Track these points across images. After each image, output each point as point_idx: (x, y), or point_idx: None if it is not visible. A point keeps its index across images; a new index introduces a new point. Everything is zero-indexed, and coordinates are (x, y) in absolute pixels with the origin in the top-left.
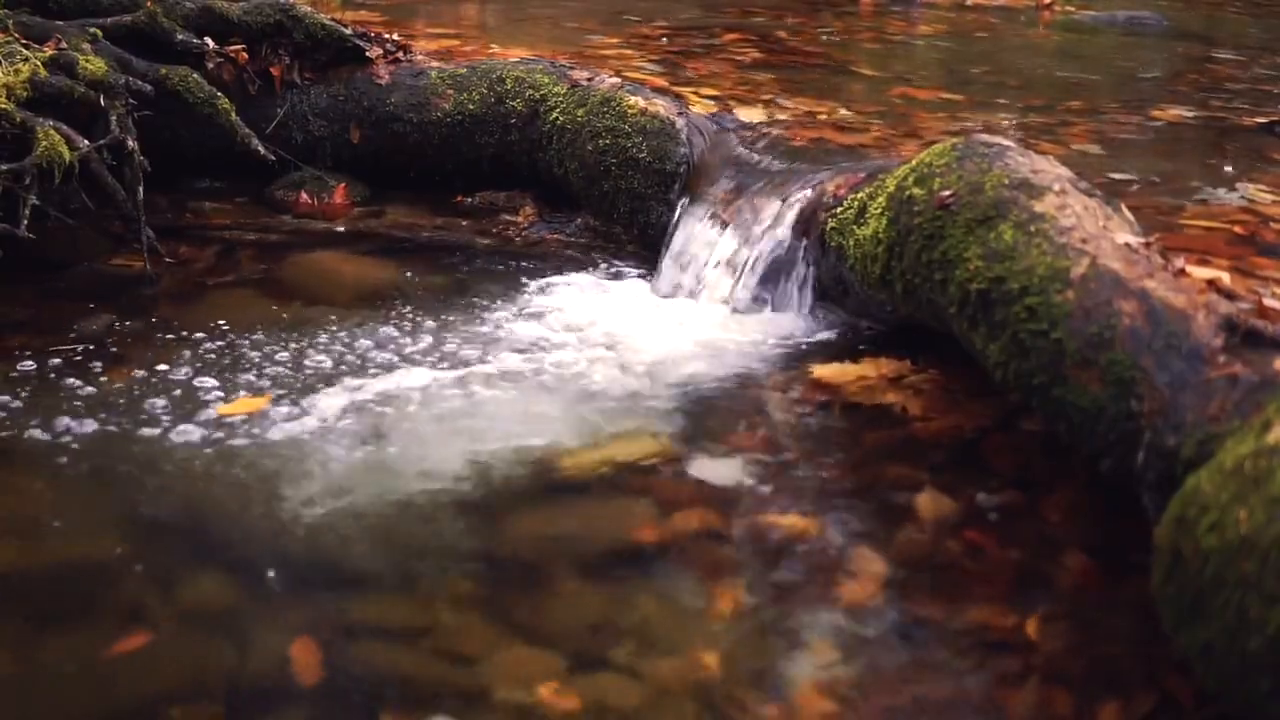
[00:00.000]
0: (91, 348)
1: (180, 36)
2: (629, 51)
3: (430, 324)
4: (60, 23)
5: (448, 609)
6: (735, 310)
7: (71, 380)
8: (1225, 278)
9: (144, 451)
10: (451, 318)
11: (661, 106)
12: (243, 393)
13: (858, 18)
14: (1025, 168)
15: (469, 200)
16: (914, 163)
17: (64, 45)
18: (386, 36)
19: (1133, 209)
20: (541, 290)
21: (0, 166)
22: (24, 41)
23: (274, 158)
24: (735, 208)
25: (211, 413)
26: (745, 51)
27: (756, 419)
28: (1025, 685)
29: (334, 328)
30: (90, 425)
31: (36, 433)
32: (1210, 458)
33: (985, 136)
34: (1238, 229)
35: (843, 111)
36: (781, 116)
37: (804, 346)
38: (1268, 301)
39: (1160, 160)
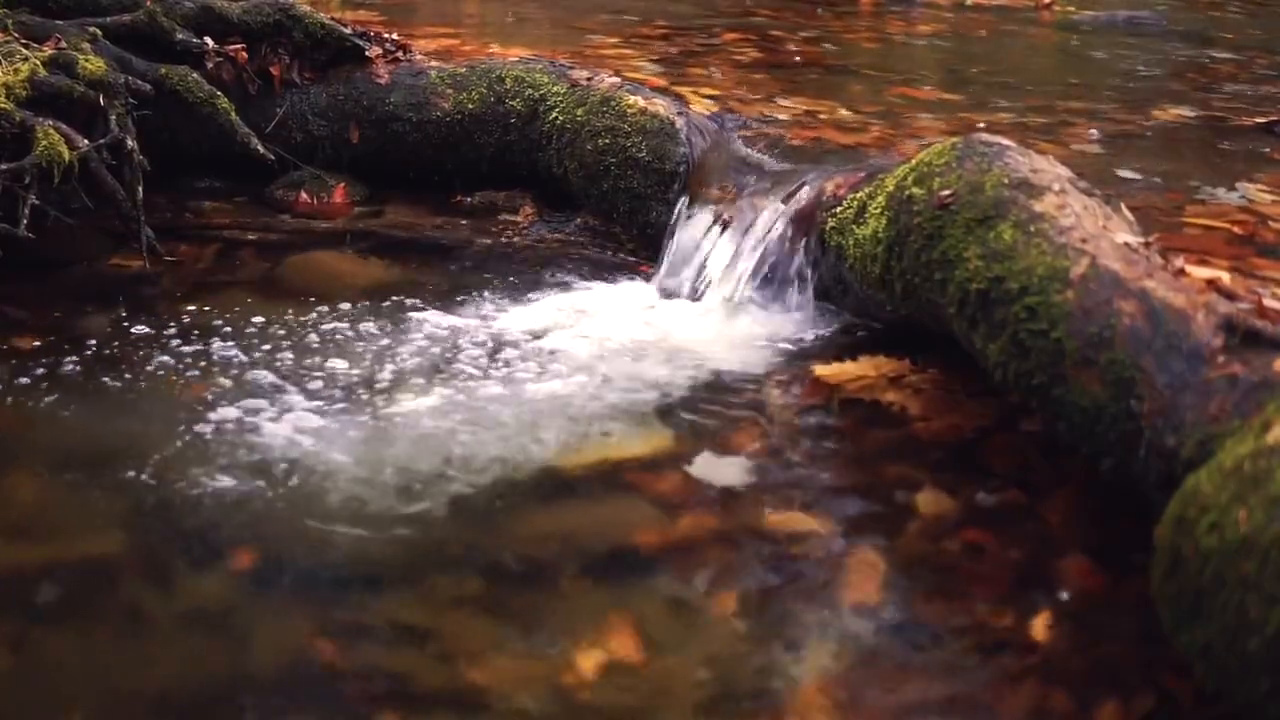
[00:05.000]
0: (91, 347)
1: (180, 36)
2: (629, 51)
3: (429, 323)
4: (60, 22)
5: (447, 608)
6: (735, 310)
7: (71, 380)
8: (1225, 278)
9: (143, 450)
10: (451, 317)
11: (661, 106)
12: (242, 391)
13: (857, 17)
14: (1025, 167)
15: (469, 200)
16: (913, 162)
17: (64, 45)
18: (386, 36)
19: (1133, 209)
20: (541, 290)
21: (0, 166)
22: (24, 41)
23: (274, 157)
24: (735, 207)
25: (211, 411)
26: (745, 51)
27: (757, 418)
28: (1025, 685)
29: (333, 327)
30: (89, 424)
31: (36, 432)
32: (1210, 458)
33: (985, 136)
34: (1238, 229)
35: (842, 111)
36: (781, 116)
37: (804, 346)
38: (1268, 301)
39: (1160, 160)
